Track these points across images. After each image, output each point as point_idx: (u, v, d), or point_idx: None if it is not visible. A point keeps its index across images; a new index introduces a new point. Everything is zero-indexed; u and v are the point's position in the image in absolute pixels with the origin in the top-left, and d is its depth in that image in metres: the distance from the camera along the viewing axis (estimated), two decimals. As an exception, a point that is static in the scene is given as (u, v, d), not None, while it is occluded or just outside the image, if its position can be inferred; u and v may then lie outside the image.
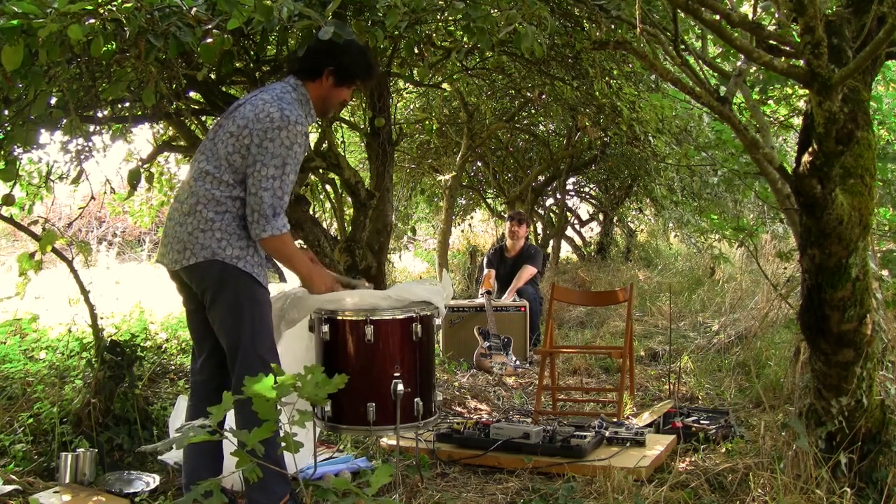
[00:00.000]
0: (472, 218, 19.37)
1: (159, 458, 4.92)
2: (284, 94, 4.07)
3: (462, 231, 19.26)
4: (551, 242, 16.86)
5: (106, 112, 5.61)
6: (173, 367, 6.95)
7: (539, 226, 17.23)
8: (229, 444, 2.51)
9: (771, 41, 4.28)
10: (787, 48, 4.23)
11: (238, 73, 5.72)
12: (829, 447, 4.06)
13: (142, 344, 5.85)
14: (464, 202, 17.49)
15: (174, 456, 4.78)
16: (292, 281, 4.59)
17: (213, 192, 3.98)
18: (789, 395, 5.87)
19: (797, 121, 7.39)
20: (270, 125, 3.91)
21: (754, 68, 5.66)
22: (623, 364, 6.33)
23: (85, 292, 5.58)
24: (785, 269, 7.28)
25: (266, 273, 4.15)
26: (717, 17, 3.79)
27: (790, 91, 7.01)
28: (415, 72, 6.90)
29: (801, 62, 3.55)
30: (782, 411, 5.55)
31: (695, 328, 10.06)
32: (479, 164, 15.53)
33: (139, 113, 5.76)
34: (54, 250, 5.45)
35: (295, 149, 3.94)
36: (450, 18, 5.49)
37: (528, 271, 9.32)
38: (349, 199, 7.13)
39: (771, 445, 4.55)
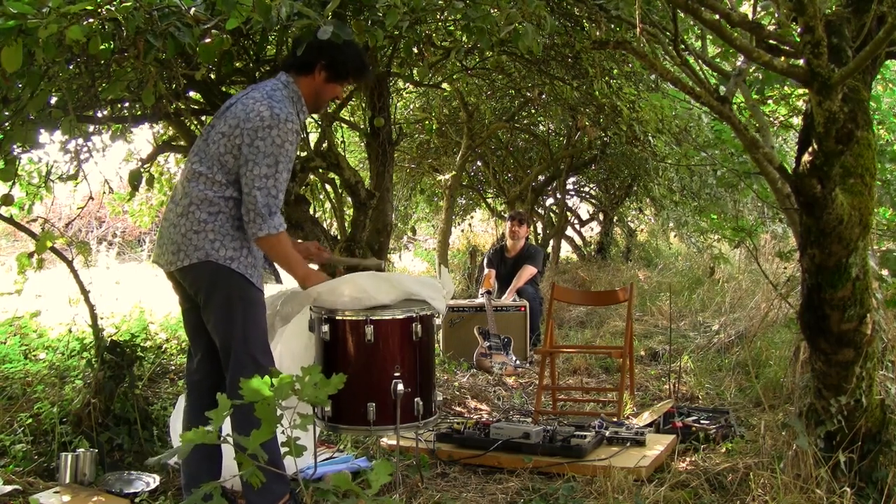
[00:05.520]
0: (472, 218, 19.36)
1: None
2: (275, 91, 4.05)
3: (462, 231, 19.25)
4: (551, 242, 16.85)
5: (105, 112, 5.60)
6: (173, 367, 6.94)
7: (539, 225, 17.21)
8: (228, 446, 2.50)
9: (771, 41, 4.27)
10: (787, 48, 4.23)
11: (238, 73, 5.71)
12: (829, 447, 4.05)
13: (142, 344, 5.84)
14: (464, 202, 17.47)
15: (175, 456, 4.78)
16: (288, 282, 4.59)
17: (205, 193, 3.97)
18: (789, 394, 5.87)
19: (797, 120, 7.39)
20: (261, 124, 3.90)
21: (754, 68, 5.66)
22: (623, 364, 6.32)
23: (85, 292, 5.58)
24: (785, 268, 7.27)
25: (260, 274, 4.14)
26: (717, 16, 3.78)
27: (789, 91, 7.00)
28: (414, 71, 6.89)
29: (801, 62, 3.55)
30: (782, 411, 5.55)
31: (695, 328, 10.06)
32: (479, 163, 15.51)
33: (139, 113, 5.76)
34: (54, 250, 5.44)
35: (286, 147, 3.93)
36: (449, 18, 5.49)
37: (529, 271, 9.31)
38: (349, 198, 7.12)
39: (771, 445, 4.55)
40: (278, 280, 4.45)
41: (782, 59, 4.21)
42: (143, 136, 19.95)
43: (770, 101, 7.30)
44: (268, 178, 3.89)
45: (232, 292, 3.99)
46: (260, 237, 3.93)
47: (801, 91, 6.75)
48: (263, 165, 3.88)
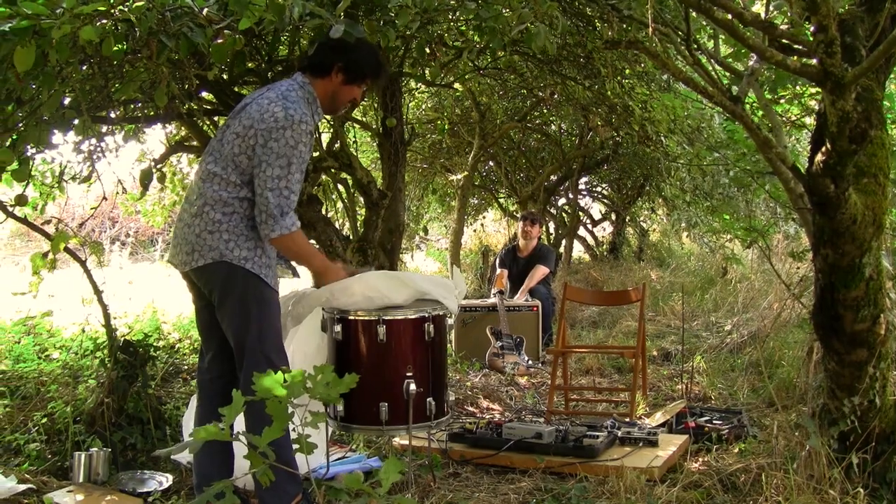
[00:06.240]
0: (484, 218, 19.35)
1: (172, 457, 4.91)
2: (289, 92, 4.04)
3: (474, 231, 19.24)
4: (563, 242, 16.83)
5: (118, 112, 5.62)
6: (186, 367, 6.96)
7: (551, 225, 17.21)
8: (241, 445, 2.50)
9: (783, 40, 4.26)
10: (800, 47, 4.22)
11: (250, 74, 5.72)
12: (843, 447, 4.04)
13: (155, 344, 5.85)
14: (476, 202, 17.46)
15: (187, 455, 4.77)
16: (305, 277, 4.59)
17: (220, 194, 3.97)
18: (802, 394, 5.85)
19: (809, 120, 7.37)
20: (275, 125, 3.89)
21: (766, 67, 5.64)
22: (635, 364, 6.31)
23: (98, 292, 5.59)
24: (798, 268, 7.25)
25: (275, 274, 4.14)
26: (730, 16, 3.78)
27: (802, 90, 6.99)
28: (426, 71, 6.89)
29: (814, 61, 3.54)
30: (795, 411, 5.53)
31: (707, 328, 10.03)
32: (491, 163, 15.50)
33: (151, 113, 5.77)
34: (67, 250, 5.46)
35: (300, 148, 3.92)
36: (461, 18, 5.48)
37: (541, 271, 9.31)
38: (361, 199, 7.12)
39: (784, 445, 4.53)
40: (295, 274, 4.45)
41: (795, 58, 4.20)
42: (156, 137, 20.00)
43: (783, 101, 7.28)
44: (280, 180, 3.88)
45: (246, 292, 3.99)
46: (273, 238, 3.93)
47: (813, 90, 6.73)
48: (276, 167, 3.88)
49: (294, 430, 2.48)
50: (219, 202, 3.97)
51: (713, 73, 4.20)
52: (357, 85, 4.27)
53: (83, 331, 6.90)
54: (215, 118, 6.49)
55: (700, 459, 5.03)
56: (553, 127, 14.25)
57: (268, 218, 3.88)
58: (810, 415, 4.26)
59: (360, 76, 4.25)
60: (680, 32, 4.32)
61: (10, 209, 5.36)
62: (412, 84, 9.65)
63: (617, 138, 11.76)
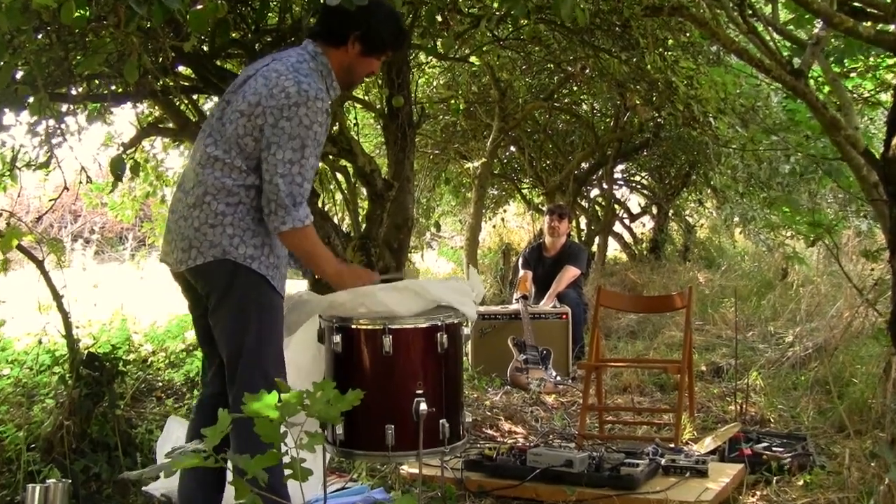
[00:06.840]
0: (504, 211, 19.35)
1: (144, 488, 4.90)
2: (301, 63, 4.00)
3: (494, 226, 19.26)
4: (597, 239, 16.84)
5: (81, 89, 5.61)
6: (160, 384, 6.95)
7: (582, 220, 17.21)
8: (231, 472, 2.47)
9: (855, 3, 4.23)
10: (875, 11, 4.18)
11: (235, 45, 5.70)
12: (928, 480, 4.00)
13: (124, 357, 5.84)
14: (495, 193, 17.47)
15: (161, 486, 4.75)
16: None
17: (223, 181, 3.92)
18: (878, 418, 5.81)
19: (885, 97, 7.34)
20: (286, 102, 3.85)
21: (834, 35, 5.61)
22: (681, 381, 6.28)
23: (57, 297, 5.57)
24: (872, 270, 7.21)
25: (283, 276, 4.11)
26: (793, -26, 3.74)
27: (876, 62, 6.96)
28: (438, 43, 6.86)
29: (892, 27, 3.51)
30: (870, 437, 5.49)
31: (765, 339, 10.00)
32: (513, 149, 15.54)
33: (120, 90, 5.76)
34: (21, 248, 5.44)
35: (315, 128, 3.88)
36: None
37: (571, 273, 9.28)
38: (364, 190, 7.11)
39: (858, 478, 4.49)
40: (306, 275, 4.42)
41: (868, 24, 4.16)
42: (125, 117, 20.08)
43: (853, 75, 7.25)
44: (293, 164, 3.85)
45: (249, 295, 3.96)
46: (283, 231, 3.90)
47: (891, 61, 6.71)
48: (288, 150, 3.84)
49: (287, 452, 2.45)
50: (222, 191, 3.93)
51: (771, 42, 4.16)
52: (376, 56, 4.24)
53: (40, 342, 6.88)
54: (194, 96, 6.48)
55: (758, 493, 5.01)
56: (584, 107, 14.26)
57: (277, 208, 3.85)
58: (889, 442, 4.23)
59: (381, 47, 4.21)
60: (734, -6, 4.28)
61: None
62: (422, 58, 9.65)
63: (658, 120, 11.75)
